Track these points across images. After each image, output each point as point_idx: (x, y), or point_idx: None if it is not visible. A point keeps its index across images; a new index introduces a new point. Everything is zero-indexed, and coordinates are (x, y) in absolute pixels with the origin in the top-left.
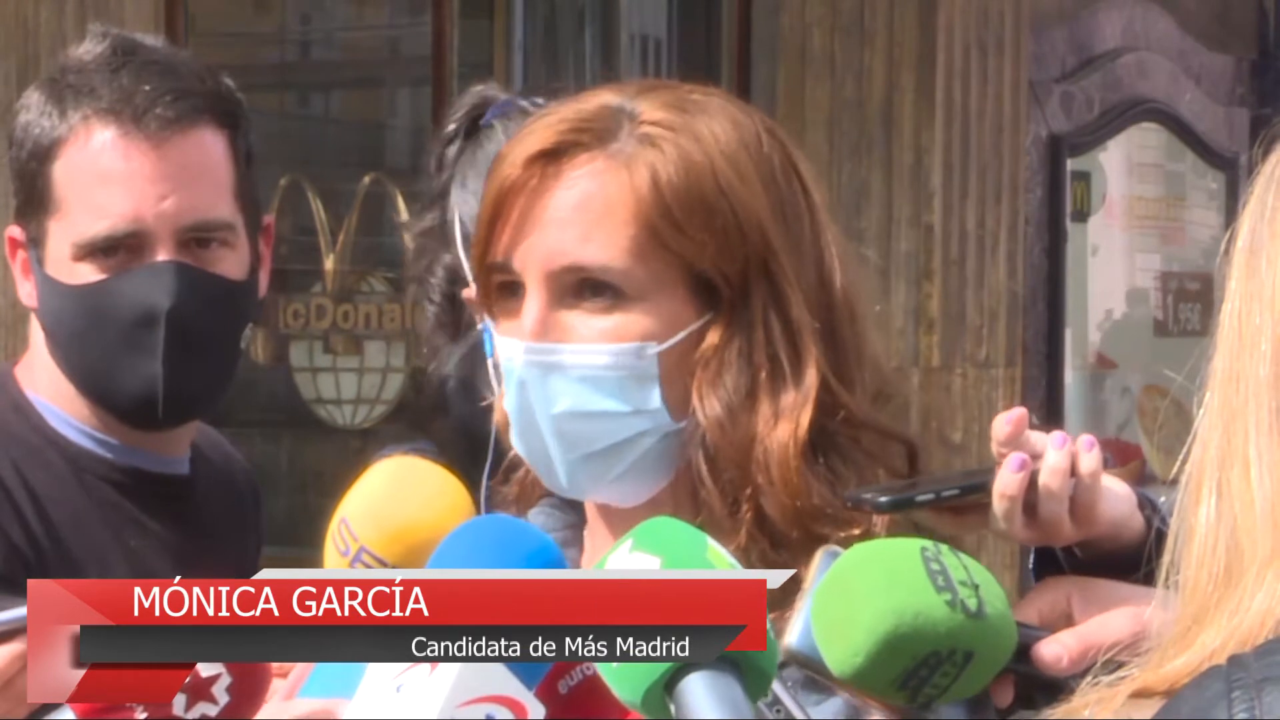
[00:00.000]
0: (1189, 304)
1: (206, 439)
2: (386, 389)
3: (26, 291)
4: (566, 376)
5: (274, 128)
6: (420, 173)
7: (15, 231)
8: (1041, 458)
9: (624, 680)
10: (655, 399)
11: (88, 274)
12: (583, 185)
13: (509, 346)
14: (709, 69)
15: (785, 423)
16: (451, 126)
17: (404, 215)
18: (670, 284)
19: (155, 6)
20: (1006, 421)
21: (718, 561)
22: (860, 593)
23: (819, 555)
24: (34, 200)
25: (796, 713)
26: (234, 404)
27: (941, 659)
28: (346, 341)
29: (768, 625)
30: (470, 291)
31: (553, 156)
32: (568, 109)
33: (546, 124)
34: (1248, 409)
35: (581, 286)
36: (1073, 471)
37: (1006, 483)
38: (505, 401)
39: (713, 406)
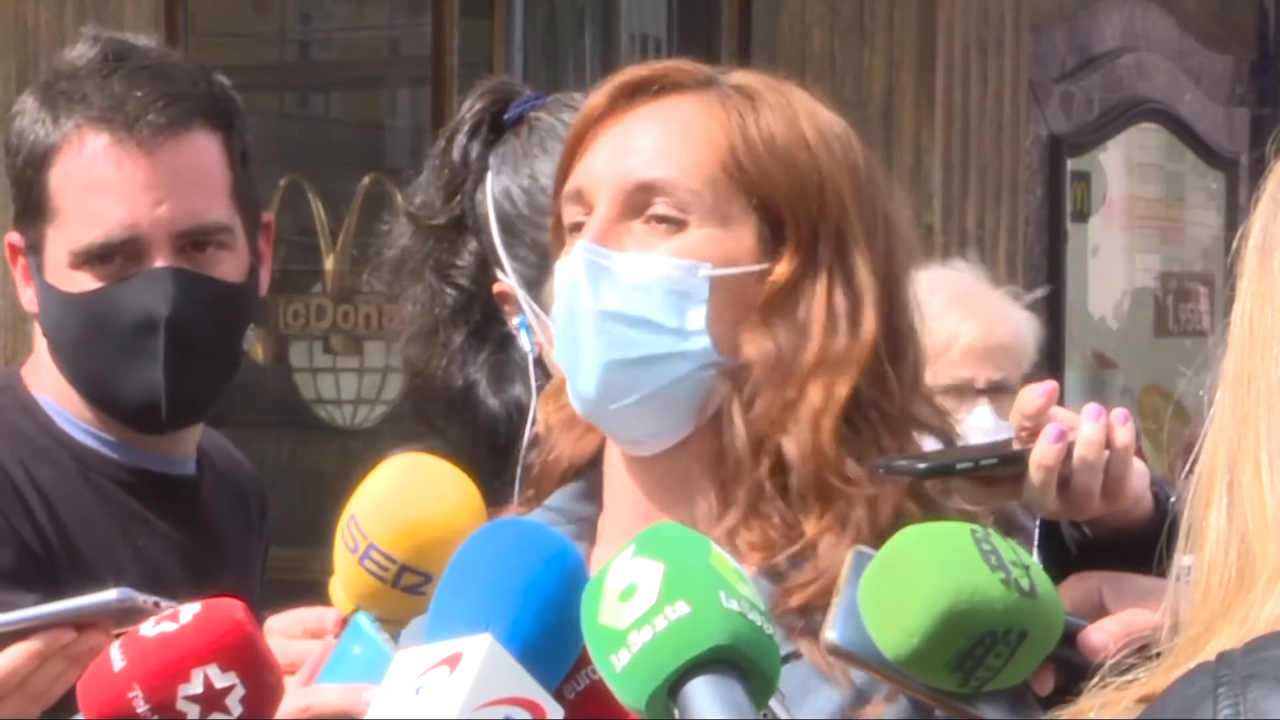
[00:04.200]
0: (1189, 304)
1: (212, 442)
2: (386, 389)
3: (28, 297)
4: (617, 282)
5: (274, 128)
6: (421, 173)
7: (15, 238)
8: (1072, 431)
9: (627, 685)
10: (700, 321)
11: (85, 282)
12: (670, 111)
13: (567, 259)
14: None
15: (829, 374)
16: (470, 119)
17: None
18: (737, 220)
19: (155, 7)
20: (1038, 394)
21: (721, 567)
22: (915, 573)
23: (850, 554)
24: (31, 207)
25: (780, 713)
26: (234, 404)
27: (997, 638)
28: (346, 342)
29: (771, 628)
30: (501, 285)
31: (644, 88)
32: (669, 61)
33: (641, 65)
34: (1259, 412)
35: (650, 205)
36: (1106, 444)
37: (1044, 453)
38: (554, 311)
39: (764, 345)
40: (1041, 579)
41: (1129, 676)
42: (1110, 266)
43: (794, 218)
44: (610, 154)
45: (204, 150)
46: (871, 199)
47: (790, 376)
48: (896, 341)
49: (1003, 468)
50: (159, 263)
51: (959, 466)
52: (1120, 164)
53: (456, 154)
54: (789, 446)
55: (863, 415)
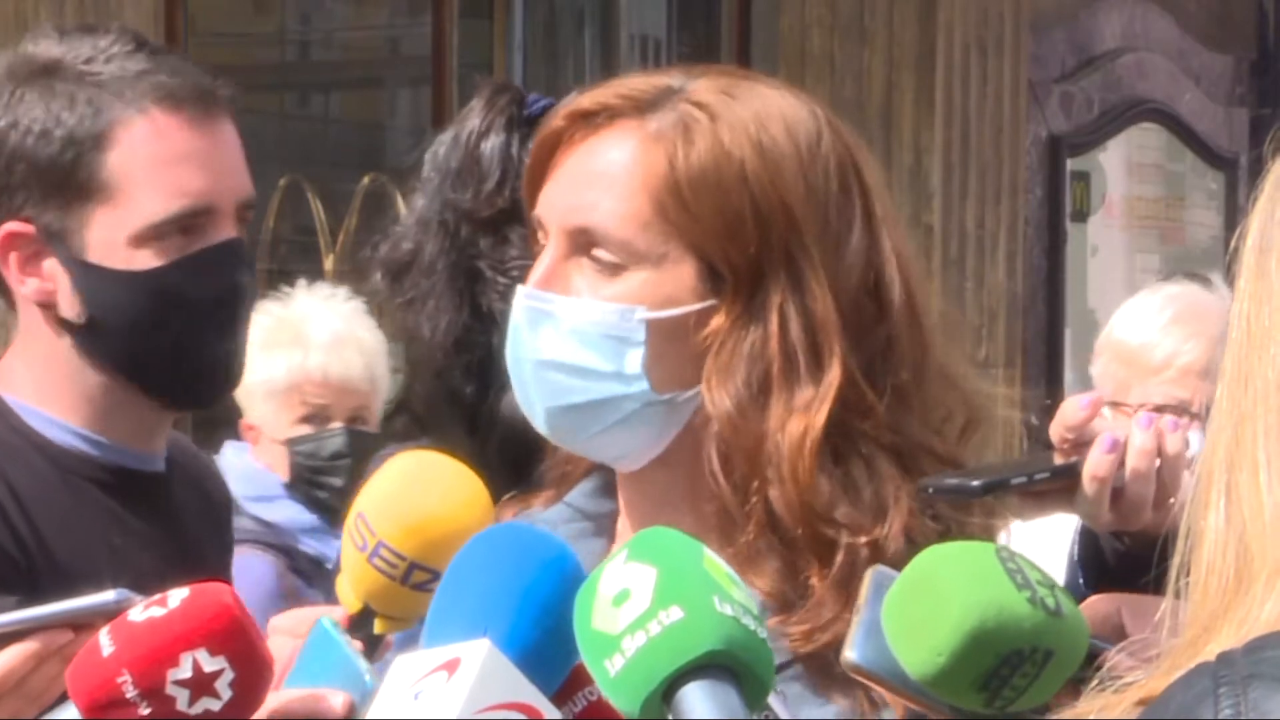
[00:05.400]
0: None
1: (172, 440)
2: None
3: (34, 287)
4: (556, 327)
5: (274, 128)
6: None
7: (19, 227)
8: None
9: (621, 691)
10: (637, 365)
11: (150, 258)
12: (607, 150)
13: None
14: None
15: (798, 419)
16: (500, 115)
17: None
18: (675, 262)
19: (155, 6)
20: (1082, 406)
21: (714, 571)
22: (943, 591)
23: (870, 574)
24: (64, 191)
25: (781, 712)
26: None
27: (1023, 657)
28: None
29: (765, 632)
30: None
31: (592, 117)
32: (625, 80)
33: (599, 88)
34: (1256, 412)
35: (590, 245)
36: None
37: (1098, 463)
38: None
39: (722, 400)
40: (1066, 599)
41: (1129, 678)
42: (1110, 266)
43: (728, 258)
44: (559, 190)
45: (234, 128)
46: (842, 205)
47: (758, 425)
48: (884, 354)
49: (1056, 480)
50: (226, 233)
51: (1014, 482)
52: (1120, 164)
53: (495, 150)
54: (776, 501)
55: (850, 446)
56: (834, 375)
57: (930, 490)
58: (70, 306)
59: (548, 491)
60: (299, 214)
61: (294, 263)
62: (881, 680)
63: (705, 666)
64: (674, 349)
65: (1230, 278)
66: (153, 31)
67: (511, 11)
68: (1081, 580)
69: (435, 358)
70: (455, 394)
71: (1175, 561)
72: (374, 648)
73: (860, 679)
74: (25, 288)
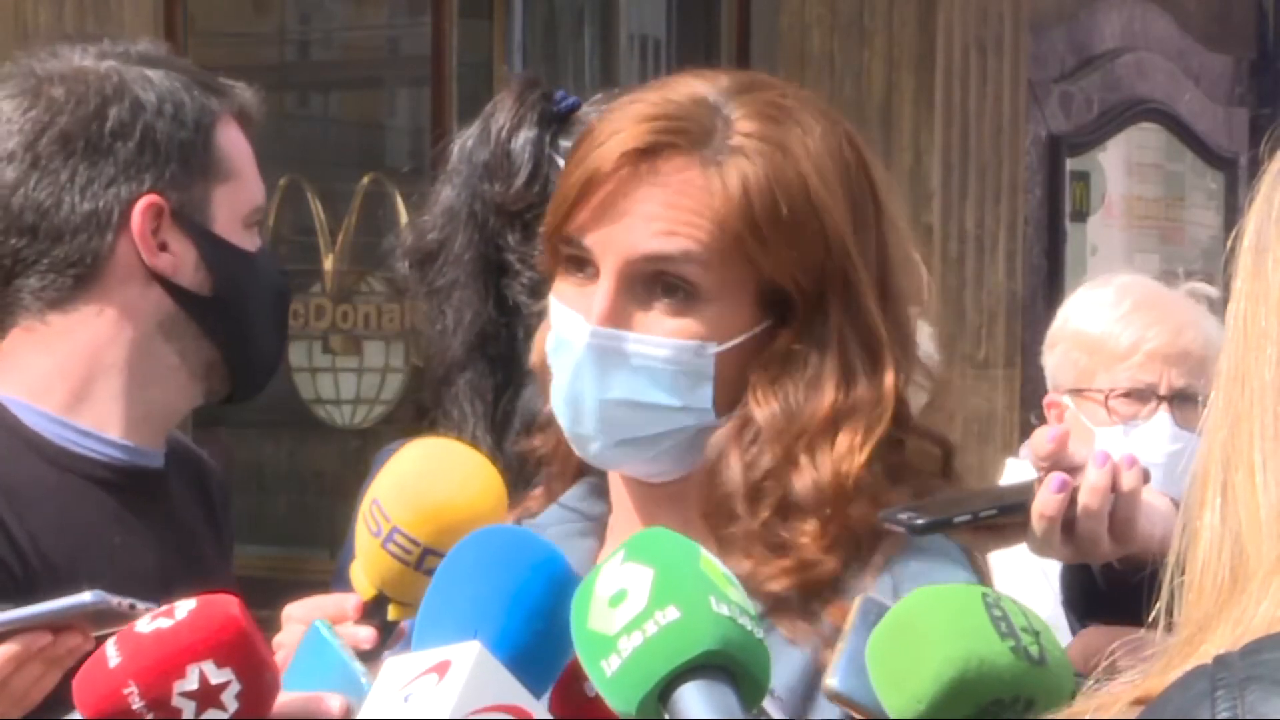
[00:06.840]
0: None
1: (169, 435)
2: (386, 389)
3: (168, 261)
4: (625, 365)
5: (273, 128)
6: (422, 172)
7: (155, 199)
8: (1082, 471)
9: (618, 691)
10: (706, 398)
11: (254, 240)
12: (673, 184)
13: (571, 322)
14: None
15: (854, 423)
16: (534, 109)
17: (403, 217)
18: (740, 290)
19: (155, 6)
20: (1049, 440)
21: (711, 572)
22: (924, 639)
23: (858, 601)
24: (194, 167)
25: (775, 712)
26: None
27: (1003, 706)
28: (345, 341)
29: (761, 633)
30: None
31: (646, 154)
32: (661, 103)
33: (640, 120)
34: (1253, 412)
35: (655, 282)
36: (1113, 488)
37: (1046, 503)
38: (556, 378)
39: (770, 405)
40: (1052, 645)
41: (1124, 677)
42: (1110, 266)
43: (796, 281)
44: (617, 225)
45: None
46: (864, 207)
47: (800, 430)
48: (909, 365)
49: (1002, 518)
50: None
51: (956, 520)
52: (1119, 164)
53: (527, 145)
54: (805, 495)
55: (885, 455)
56: (889, 385)
57: (884, 521)
58: (195, 279)
59: (537, 490)
60: (299, 214)
61: (294, 262)
62: (861, 708)
63: (702, 667)
64: (737, 374)
65: (1226, 278)
66: (152, 31)
67: (511, 11)
68: (1063, 600)
69: (454, 348)
70: (475, 386)
71: (1170, 560)
72: (388, 634)
73: (840, 705)
74: (160, 260)
